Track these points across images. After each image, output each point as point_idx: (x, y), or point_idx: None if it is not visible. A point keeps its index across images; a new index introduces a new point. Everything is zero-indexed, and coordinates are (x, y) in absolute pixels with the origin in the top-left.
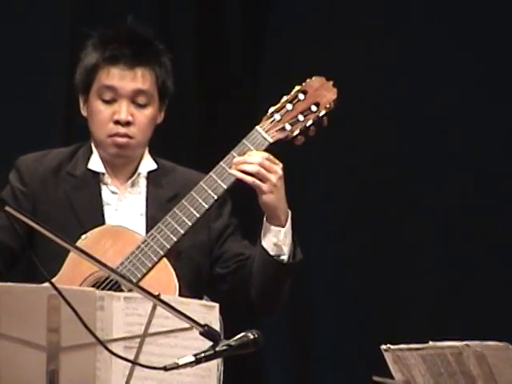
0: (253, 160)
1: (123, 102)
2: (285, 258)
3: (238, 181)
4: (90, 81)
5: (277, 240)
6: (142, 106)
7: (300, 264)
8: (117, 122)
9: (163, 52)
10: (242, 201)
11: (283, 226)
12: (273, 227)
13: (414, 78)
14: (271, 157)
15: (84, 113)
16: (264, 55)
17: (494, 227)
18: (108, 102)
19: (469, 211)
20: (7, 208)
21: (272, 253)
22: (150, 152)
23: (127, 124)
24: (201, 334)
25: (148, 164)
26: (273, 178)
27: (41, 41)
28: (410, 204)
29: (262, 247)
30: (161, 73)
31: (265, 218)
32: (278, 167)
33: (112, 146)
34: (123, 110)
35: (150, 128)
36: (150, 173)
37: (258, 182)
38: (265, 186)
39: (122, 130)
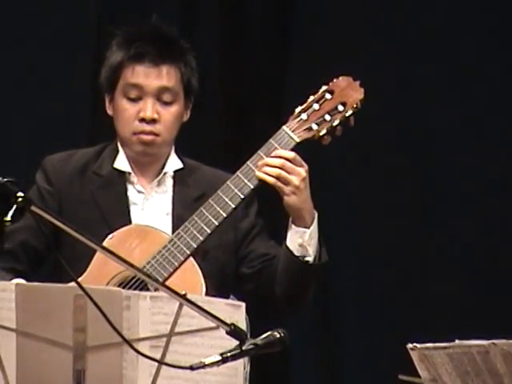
0: (274, 162)
1: (148, 99)
2: (310, 259)
3: (263, 182)
4: (115, 79)
5: (302, 241)
6: (167, 104)
7: (325, 265)
8: (142, 120)
9: (188, 50)
10: (269, 200)
11: (308, 227)
12: (298, 228)
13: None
14: (297, 157)
15: (110, 112)
16: (291, 54)
17: None
18: (133, 100)
19: (500, 209)
20: (33, 207)
21: (297, 253)
22: (176, 151)
23: (153, 121)
24: (227, 333)
25: (174, 163)
26: (295, 180)
27: (66, 40)
28: (440, 204)
29: (287, 247)
30: (186, 71)
31: (290, 219)
32: (302, 169)
33: (138, 143)
34: (149, 108)
35: (176, 126)
36: (176, 172)
37: (279, 183)
38: (287, 188)
39: (147, 127)
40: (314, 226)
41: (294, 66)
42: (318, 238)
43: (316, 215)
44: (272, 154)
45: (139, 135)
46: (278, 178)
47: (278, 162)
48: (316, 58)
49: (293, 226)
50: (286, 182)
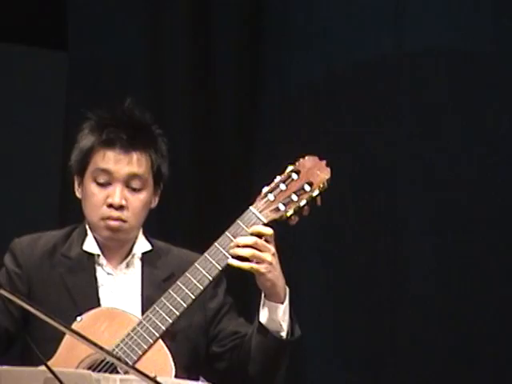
0: (246, 241)
1: (117, 185)
2: (283, 334)
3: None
4: (85, 163)
5: (275, 316)
6: (136, 190)
7: (299, 340)
8: (110, 206)
9: (159, 136)
10: (236, 278)
11: (282, 303)
12: (271, 303)
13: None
14: (272, 234)
15: (78, 194)
16: (257, 134)
17: None
18: (102, 185)
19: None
20: (2, 291)
21: (271, 329)
22: (144, 233)
23: (120, 208)
24: None
25: (142, 245)
26: (268, 256)
27: (37, 122)
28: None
29: (261, 324)
30: (156, 158)
31: (263, 295)
32: (271, 245)
33: (105, 228)
34: (117, 194)
35: (144, 212)
36: (144, 254)
37: (255, 266)
38: (262, 268)
39: (115, 213)
40: (287, 302)
41: (261, 144)
42: (289, 313)
43: (288, 290)
44: (251, 229)
45: (106, 221)
46: (252, 257)
47: (250, 240)
48: (282, 138)
49: (266, 302)
50: (260, 261)
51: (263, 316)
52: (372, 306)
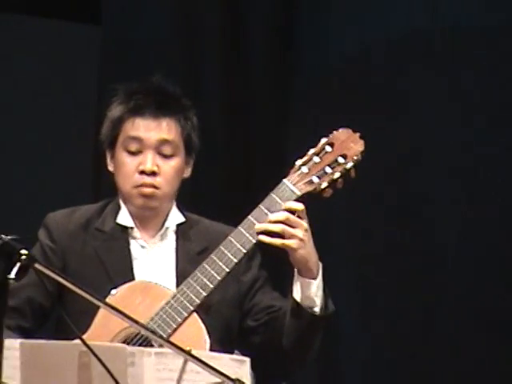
0: (278, 217)
1: (149, 152)
2: (317, 309)
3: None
4: (115, 134)
5: (309, 292)
6: (167, 157)
7: (332, 315)
8: (142, 173)
9: (189, 107)
10: (271, 252)
11: (315, 278)
12: (304, 279)
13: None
14: (303, 209)
15: (111, 168)
16: (291, 108)
17: None
18: (134, 154)
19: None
20: (37, 265)
21: (304, 305)
22: (177, 206)
23: (153, 174)
24: None
25: (176, 217)
26: (299, 232)
27: (67, 100)
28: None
29: (294, 299)
30: (186, 125)
31: (296, 271)
32: (303, 221)
33: (138, 196)
34: (148, 161)
35: (176, 179)
36: (178, 226)
37: (286, 242)
38: (294, 244)
39: (147, 180)
40: (320, 277)
41: (296, 118)
42: (323, 289)
43: (321, 266)
44: (284, 205)
45: (140, 188)
46: (282, 232)
47: (281, 216)
48: (317, 110)
49: (299, 278)
50: (291, 236)
51: (296, 291)
52: (402, 282)
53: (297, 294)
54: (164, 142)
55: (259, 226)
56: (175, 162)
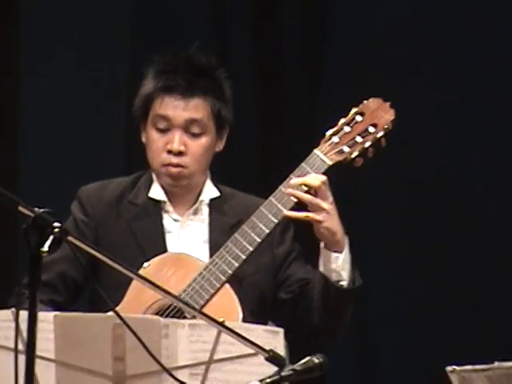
0: (311, 183)
1: (176, 131)
2: (344, 283)
3: (298, 206)
4: (146, 109)
5: (335, 266)
6: (196, 136)
7: (360, 289)
8: (169, 152)
9: (222, 80)
10: (304, 225)
11: (341, 252)
12: (330, 253)
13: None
14: (326, 181)
15: (144, 139)
16: (322, 78)
17: None
18: (162, 131)
19: None
20: (70, 238)
21: (331, 278)
22: (211, 179)
23: (179, 154)
24: (266, 359)
25: (210, 191)
26: (325, 205)
27: (102, 68)
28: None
29: (321, 273)
30: (216, 102)
31: (322, 244)
32: (328, 193)
33: (165, 175)
34: (176, 140)
35: (206, 157)
36: (212, 200)
37: (311, 215)
38: (320, 216)
39: (174, 159)
40: (347, 250)
41: (326, 88)
42: (350, 262)
43: (347, 239)
44: (303, 179)
45: (167, 167)
46: (310, 203)
47: (312, 183)
48: (347, 80)
49: (325, 252)
50: (318, 209)
51: (323, 265)
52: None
53: (323, 267)
54: (192, 121)
55: (290, 191)
56: (204, 141)
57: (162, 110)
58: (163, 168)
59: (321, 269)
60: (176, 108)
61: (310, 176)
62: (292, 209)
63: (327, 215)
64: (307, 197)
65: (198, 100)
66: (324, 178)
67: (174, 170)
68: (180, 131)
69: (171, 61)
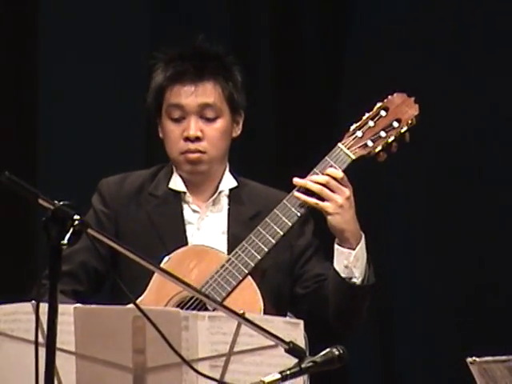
0: (318, 179)
1: (191, 118)
2: (356, 280)
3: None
4: (159, 102)
5: (347, 262)
6: (210, 120)
7: (372, 287)
8: (187, 139)
9: (232, 65)
10: (323, 221)
11: (353, 249)
12: (343, 249)
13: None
14: (344, 178)
15: (161, 135)
16: (345, 72)
17: None
18: (177, 121)
19: None
20: (90, 230)
21: (343, 275)
22: (230, 170)
23: (197, 139)
24: (286, 351)
25: (229, 181)
26: (338, 198)
27: (119, 66)
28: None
29: (334, 269)
30: (227, 85)
31: (336, 240)
32: (347, 189)
33: (185, 162)
34: (192, 127)
35: (223, 141)
36: (231, 190)
37: (321, 203)
38: (329, 207)
39: (192, 146)
40: (360, 248)
41: (350, 83)
42: (366, 260)
43: (363, 236)
44: (326, 172)
45: (185, 154)
46: (320, 193)
47: (322, 178)
48: (371, 75)
49: (338, 247)
50: (329, 199)
51: (336, 261)
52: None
53: (336, 263)
54: (205, 105)
55: (298, 181)
56: (220, 124)
57: (174, 98)
58: (181, 156)
59: (334, 264)
60: (188, 95)
61: (332, 169)
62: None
63: (339, 209)
64: (318, 187)
65: (209, 84)
66: (337, 173)
67: (192, 155)
68: (195, 117)
69: (176, 51)
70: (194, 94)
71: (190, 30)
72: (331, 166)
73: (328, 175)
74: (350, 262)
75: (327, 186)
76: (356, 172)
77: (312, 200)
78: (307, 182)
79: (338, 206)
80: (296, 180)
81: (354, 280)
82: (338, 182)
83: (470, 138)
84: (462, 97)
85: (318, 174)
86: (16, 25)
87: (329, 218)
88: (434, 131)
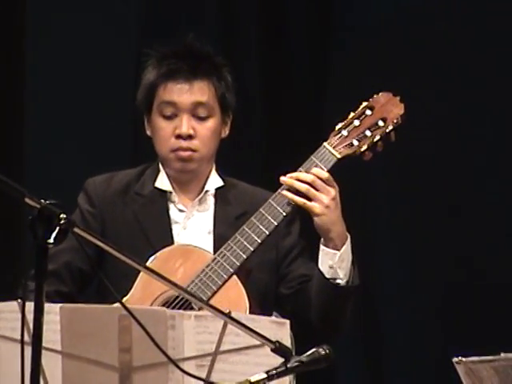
0: (304, 178)
1: (184, 116)
2: (341, 281)
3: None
4: (150, 99)
5: (332, 263)
6: (202, 119)
7: (356, 289)
8: (179, 137)
9: (222, 66)
10: (309, 220)
11: (338, 250)
12: (328, 250)
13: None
14: (330, 178)
15: (148, 132)
16: (330, 70)
17: None
18: (169, 118)
19: None
20: (76, 229)
21: (328, 275)
22: (216, 170)
23: (189, 137)
24: (272, 350)
25: (215, 181)
26: (324, 198)
27: (106, 64)
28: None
29: (318, 269)
30: (219, 85)
31: (321, 240)
32: (333, 189)
33: (176, 160)
34: (184, 124)
35: (214, 141)
36: (217, 190)
37: (308, 203)
38: (316, 207)
39: (184, 143)
40: (346, 248)
41: (334, 82)
42: (351, 261)
43: (349, 237)
44: (298, 173)
45: (177, 152)
46: (306, 193)
47: (308, 177)
48: (356, 74)
49: (323, 248)
50: (315, 199)
51: (320, 261)
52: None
53: (321, 263)
54: (198, 104)
55: (285, 179)
56: (211, 124)
57: (167, 95)
58: (172, 154)
59: (319, 265)
60: (181, 92)
61: (318, 169)
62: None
63: (325, 209)
64: (305, 186)
65: (202, 83)
66: (324, 174)
67: (184, 153)
68: (187, 115)
69: (169, 49)
70: (187, 92)
71: (179, 29)
72: (316, 166)
73: (313, 175)
74: (334, 262)
75: (313, 185)
76: (342, 171)
77: (300, 199)
78: (294, 181)
79: (324, 206)
80: (283, 178)
81: (339, 281)
82: (324, 182)
83: (458, 136)
84: (449, 97)
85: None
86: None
87: (315, 218)
88: (420, 130)
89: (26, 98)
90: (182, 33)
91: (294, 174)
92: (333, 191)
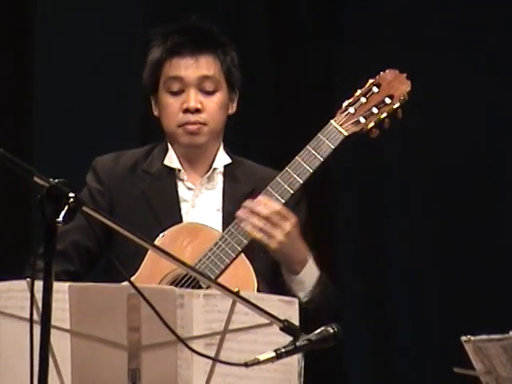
0: (261, 212)
1: (191, 90)
2: (301, 301)
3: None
4: (156, 76)
5: (290, 283)
6: (209, 93)
7: (316, 312)
8: (186, 111)
9: (227, 43)
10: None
11: (297, 274)
12: (287, 273)
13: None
14: (283, 210)
15: (156, 113)
16: (339, 49)
17: None
18: (176, 94)
19: None
20: (84, 208)
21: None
22: (224, 148)
23: (197, 111)
24: (281, 329)
25: (223, 159)
26: (278, 234)
27: (116, 47)
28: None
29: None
30: (225, 59)
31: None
32: (287, 222)
33: (184, 134)
34: (191, 98)
35: (221, 115)
36: (225, 167)
37: (265, 239)
38: (270, 243)
39: (192, 117)
40: (305, 272)
41: (342, 60)
42: (316, 279)
43: (309, 260)
44: (260, 206)
45: (185, 126)
46: (263, 230)
47: (263, 212)
48: (363, 51)
49: (283, 272)
50: (269, 236)
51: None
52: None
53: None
54: (205, 78)
55: (241, 215)
56: (218, 98)
57: (174, 71)
58: (181, 128)
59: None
60: (187, 67)
61: (263, 205)
62: (308, 180)
63: (279, 245)
64: (261, 224)
65: (208, 57)
66: (277, 207)
67: (192, 127)
68: (194, 89)
69: (176, 25)
70: (193, 66)
71: (184, 13)
72: (324, 143)
73: (269, 209)
74: (294, 284)
75: (269, 220)
76: (354, 157)
77: (259, 235)
78: (249, 216)
79: (278, 242)
80: (238, 213)
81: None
82: (281, 216)
83: (465, 129)
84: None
85: (310, 150)
86: None
87: (270, 251)
88: (430, 120)
89: (36, 77)
90: (187, 16)
91: (250, 206)
92: (287, 226)
